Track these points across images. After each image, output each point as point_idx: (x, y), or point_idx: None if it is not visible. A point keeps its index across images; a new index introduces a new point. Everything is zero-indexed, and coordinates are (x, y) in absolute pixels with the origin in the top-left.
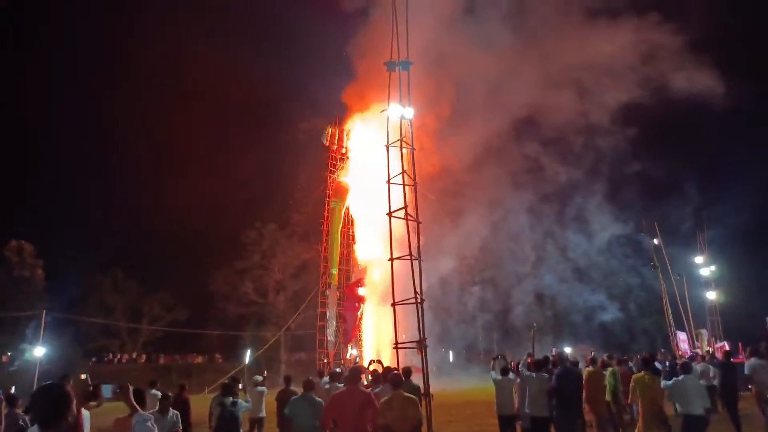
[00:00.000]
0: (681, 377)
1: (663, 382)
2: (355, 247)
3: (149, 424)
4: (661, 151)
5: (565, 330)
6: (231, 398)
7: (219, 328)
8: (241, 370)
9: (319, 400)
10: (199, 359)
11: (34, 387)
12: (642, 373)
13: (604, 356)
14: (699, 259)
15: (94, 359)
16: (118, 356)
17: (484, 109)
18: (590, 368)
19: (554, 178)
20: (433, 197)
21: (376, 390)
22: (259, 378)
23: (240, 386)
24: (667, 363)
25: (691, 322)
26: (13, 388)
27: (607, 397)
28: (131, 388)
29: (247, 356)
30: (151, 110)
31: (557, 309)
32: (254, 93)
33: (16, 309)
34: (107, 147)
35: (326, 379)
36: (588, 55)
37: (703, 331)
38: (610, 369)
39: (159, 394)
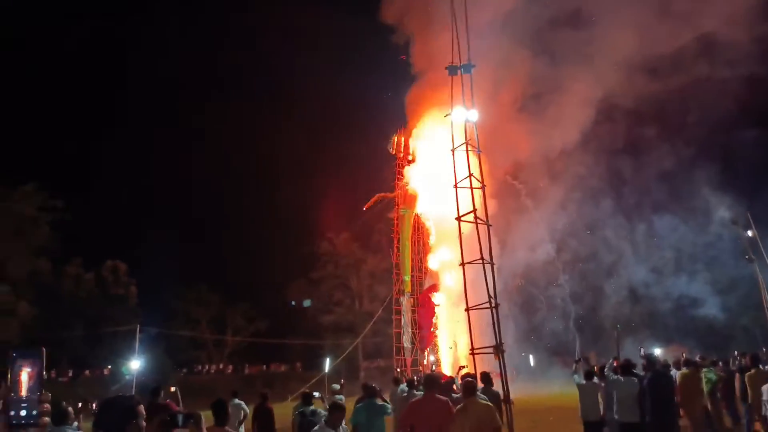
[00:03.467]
0: None
1: None
2: (428, 253)
3: None
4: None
5: (658, 328)
6: (311, 408)
7: (299, 338)
8: (321, 378)
9: (382, 404)
10: (282, 368)
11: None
12: (754, 371)
13: (697, 357)
14: None
15: (184, 370)
16: (207, 367)
17: (555, 102)
18: (684, 370)
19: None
20: (518, 184)
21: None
22: (337, 387)
23: (317, 395)
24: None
25: None
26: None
27: (705, 401)
28: (203, 418)
29: (327, 365)
30: (227, 130)
31: (649, 304)
32: (320, 105)
33: (112, 325)
34: (187, 167)
35: (404, 386)
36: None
37: None
38: (705, 370)
39: (242, 403)
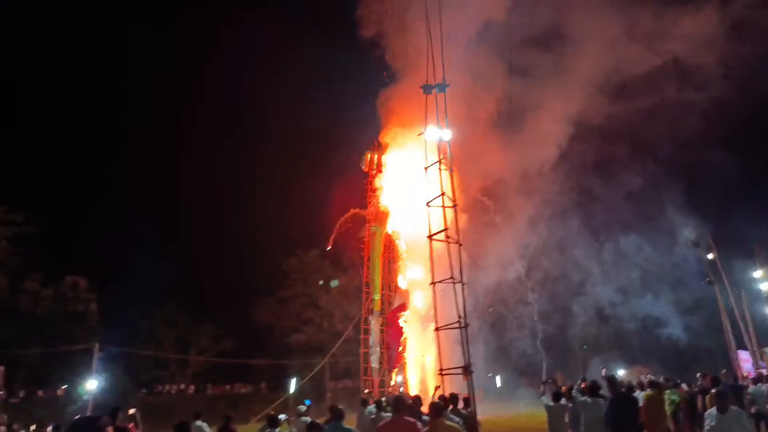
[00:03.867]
0: None
1: None
2: (398, 272)
3: None
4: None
5: (624, 348)
6: (275, 430)
7: (264, 358)
8: (287, 399)
9: (348, 428)
10: (246, 389)
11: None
12: (714, 391)
13: (661, 378)
14: (758, 273)
15: (144, 391)
16: (168, 387)
17: (528, 121)
18: (648, 392)
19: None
20: (490, 202)
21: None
22: (303, 408)
23: (283, 417)
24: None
25: (753, 340)
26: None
27: (668, 422)
28: None
29: (292, 385)
30: (194, 143)
31: (616, 324)
32: (291, 121)
33: (71, 343)
34: (152, 182)
35: (372, 408)
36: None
37: None
38: (668, 392)
39: (204, 425)
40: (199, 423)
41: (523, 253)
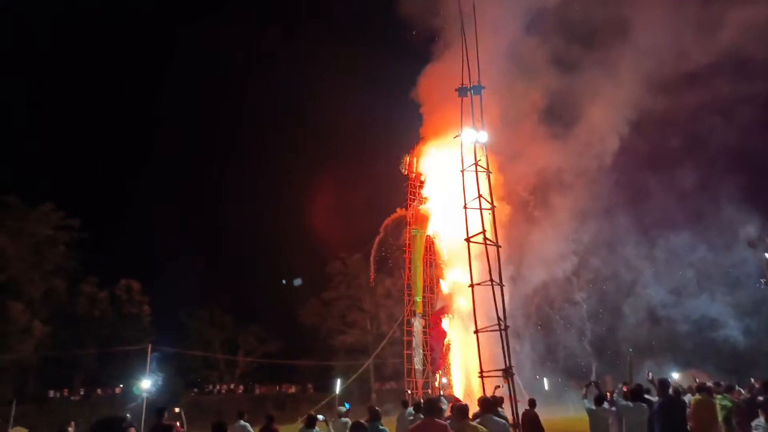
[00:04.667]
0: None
1: None
2: (440, 274)
3: None
4: None
5: (677, 351)
6: (314, 430)
7: (310, 359)
8: (332, 399)
9: (383, 428)
10: (293, 389)
11: (142, 417)
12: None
13: (711, 383)
14: None
15: (195, 390)
16: (218, 387)
17: (578, 116)
18: (697, 396)
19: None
20: (535, 198)
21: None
22: (343, 409)
23: (321, 418)
24: None
25: None
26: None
27: (720, 428)
28: None
29: (338, 386)
30: (241, 150)
31: (668, 326)
32: (335, 124)
33: (125, 344)
34: (199, 188)
35: (411, 410)
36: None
37: None
38: (719, 397)
39: (248, 425)
40: (242, 423)
41: (572, 251)
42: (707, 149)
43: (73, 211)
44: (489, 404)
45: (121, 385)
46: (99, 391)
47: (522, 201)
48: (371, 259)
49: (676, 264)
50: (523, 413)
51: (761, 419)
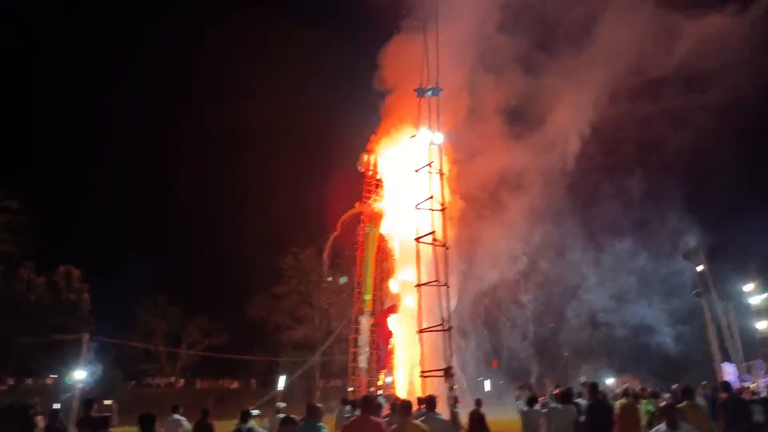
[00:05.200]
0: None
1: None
2: (390, 273)
3: None
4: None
5: (614, 356)
6: (248, 425)
7: (255, 354)
8: (274, 396)
9: (320, 425)
10: (235, 384)
11: (73, 409)
12: (685, 402)
13: (638, 388)
14: (749, 287)
15: (133, 382)
16: (157, 380)
17: (536, 121)
18: (623, 400)
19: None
20: (488, 200)
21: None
22: (282, 405)
23: (257, 413)
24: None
25: (740, 353)
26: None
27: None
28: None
29: (281, 382)
30: (191, 140)
31: (608, 331)
32: (290, 121)
33: (62, 332)
34: (149, 175)
35: (349, 407)
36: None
37: (757, 363)
38: (644, 401)
39: (182, 419)
40: (176, 416)
41: (523, 252)
42: (657, 158)
43: (10, 193)
44: (432, 403)
45: (55, 375)
46: (29, 381)
47: (478, 199)
48: (325, 254)
49: (619, 270)
50: (471, 412)
51: (663, 425)
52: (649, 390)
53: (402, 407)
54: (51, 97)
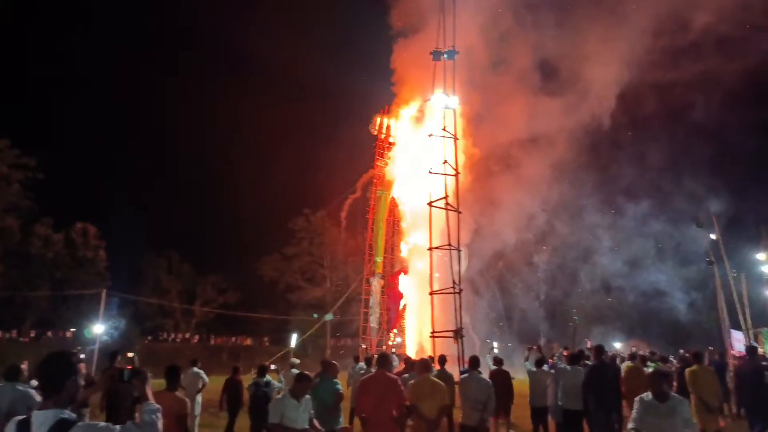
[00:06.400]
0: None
1: None
2: (401, 236)
3: (155, 415)
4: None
5: (624, 320)
6: (265, 379)
7: (268, 312)
8: (287, 353)
9: (333, 380)
10: (248, 341)
11: (94, 362)
12: (696, 366)
13: (647, 352)
14: (762, 256)
15: (150, 338)
16: (173, 336)
17: (558, 81)
18: (629, 363)
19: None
20: (505, 161)
21: (405, 376)
22: (296, 361)
23: (274, 367)
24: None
25: (748, 321)
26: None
27: None
28: (149, 378)
29: (293, 340)
30: (205, 98)
31: (619, 295)
32: (305, 82)
33: (79, 288)
34: (164, 134)
35: (362, 364)
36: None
37: (766, 330)
38: (651, 365)
39: (201, 372)
40: (196, 370)
41: (537, 214)
42: (682, 124)
43: (28, 150)
44: (476, 362)
45: (73, 329)
46: (50, 333)
47: (498, 158)
48: (342, 215)
49: (634, 235)
50: (492, 372)
51: (648, 394)
52: (657, 354)
53: (421, 364)
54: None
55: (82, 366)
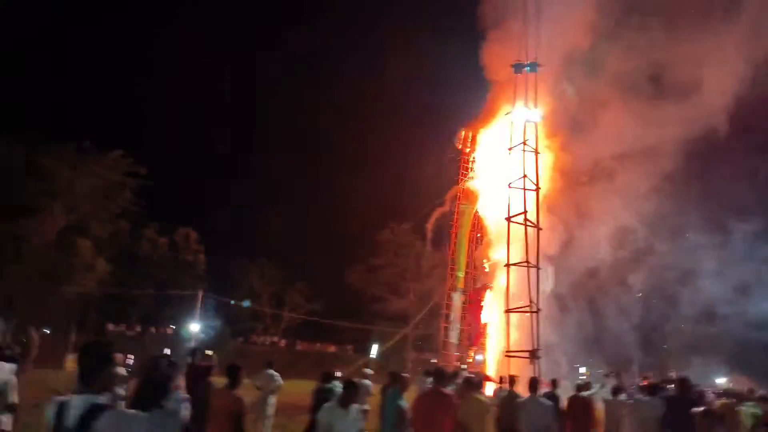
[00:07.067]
0: None
1: None
2: (484, 251)
3: (181, 405)
4: None
5: (727, 355)
6: (328, 385)
7: (353, 322)
8: (367, 362)
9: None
10: (332, 348)
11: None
12: None
13: (746, 389)
14: None
15: (241, 339)
16: (262, 338)
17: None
18: (723, 401)
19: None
20: (591, 178)
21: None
22: (369, 371)
23: (339, 374)
24: None
25: None
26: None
27: None
28: (179, 367)
29: (374, 350)
30: (301, 111)
31: (723, 324)
32: (392, 98)
33: (180, 288)
34: (262, 147)
35: (431, 379)
36: None
37: None
38: (749, 404)
39: (275, 374)
40: (271, 371)
41: (633, 231)
42: None
43: (140, 160)
44: (535, 385)
45: (173, 327)
46: (153, 329)
47: (596, 171)
48: (429, 227)
49: (742, 258)
50: (570, 398)
51: None
52: (760, 393)
53: (466, 382)
54: (175, 66)
55: (119, 356)
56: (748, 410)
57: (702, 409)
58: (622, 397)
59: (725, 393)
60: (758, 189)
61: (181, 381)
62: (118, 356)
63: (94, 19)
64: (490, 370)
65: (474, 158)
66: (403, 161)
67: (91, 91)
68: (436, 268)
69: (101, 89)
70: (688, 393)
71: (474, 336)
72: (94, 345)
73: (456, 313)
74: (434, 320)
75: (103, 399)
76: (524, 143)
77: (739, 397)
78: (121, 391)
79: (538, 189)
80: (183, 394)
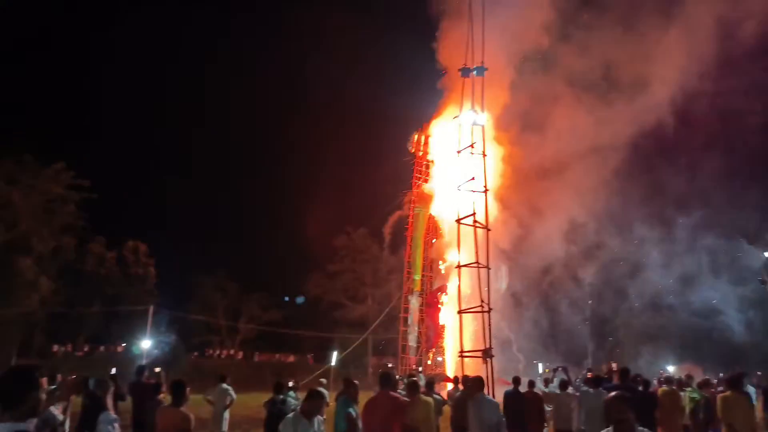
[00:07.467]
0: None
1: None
2: (439, 253)
3: (111, 426)
4: None
5: (675, 343)
6: (281, 396)
7: (311, 330)
8: (327, 370)
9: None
10: (292, 358)
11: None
12: (729, 392)
13: (683, 376)
14: None
15: (196, 354)
16: (218, 352)
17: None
18: (664, 388)
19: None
20: (541, 176)
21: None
22: (324, 381)
23: (291, 384)
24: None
25: None
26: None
27: (685, 420)
28: (111, 387)
29: (333, 358)
30: (251, 118)
31: (669, 314)
32: (344, 100)
33: (129, 304)
34: (212, 156)
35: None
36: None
37: None
38: (689, 390)
39: (229, 388)
40: (224, 386)
41: (582, 228)
42: (735, 135)
43: (82, 172)
44: (479, 384)
45: (124, 344)
46: (102, 348)
47: (546, 170)
48: (386, 231)
49: (686, 250)
50: (525, 393)
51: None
52: (703, 379)
53: (410, 384)
54: (119, 75)
55: (43, 380)
56: (687, 395)
57: (613, 394)
58: (570, 390)
59: (666, 380)
60: (700, 183)
61: (109, 401)
62: (44, 380)
63: (28, 27)
64: (450, 371)
65: (428, 161)
66: (359, 165)
67: (29, 101)
68: (393, 272)
69: (39, 99)
70: (628, 382)
71: (433, 338)
72: (17, 370)
73: (414, 316)
74: (393, 324)
75: (25, 426)
76: (472, 146)
77: (679, 384)
78: (55, 410)
79: (486, 191)
80: (112, 414)
